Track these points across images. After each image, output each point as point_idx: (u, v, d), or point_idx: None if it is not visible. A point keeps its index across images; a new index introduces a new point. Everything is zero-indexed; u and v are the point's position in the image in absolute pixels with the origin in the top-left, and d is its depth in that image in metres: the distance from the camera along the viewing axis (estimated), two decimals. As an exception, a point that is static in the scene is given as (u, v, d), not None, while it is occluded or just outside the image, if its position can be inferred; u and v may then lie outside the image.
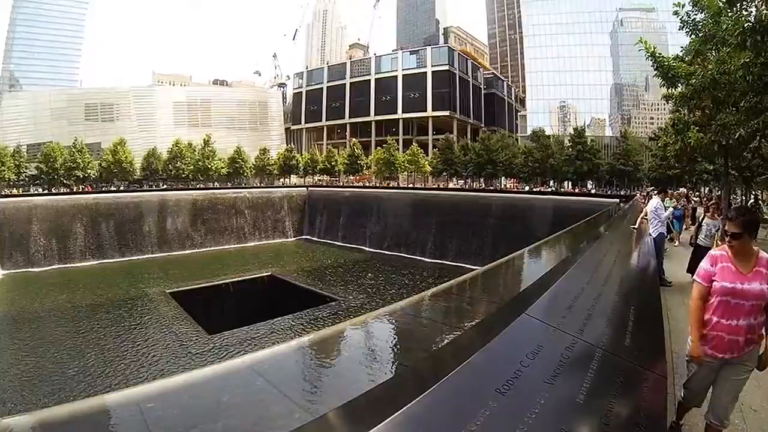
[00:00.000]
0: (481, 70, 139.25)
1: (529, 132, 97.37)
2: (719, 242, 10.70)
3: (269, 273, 37.19)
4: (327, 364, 2.82)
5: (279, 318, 25.64)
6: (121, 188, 76.95)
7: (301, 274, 38.36)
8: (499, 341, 2.94)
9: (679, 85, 17.45)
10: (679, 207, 23.06)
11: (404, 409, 1.96)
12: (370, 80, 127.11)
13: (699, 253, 11.00)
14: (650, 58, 17.07)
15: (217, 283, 34.06)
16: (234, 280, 34.89)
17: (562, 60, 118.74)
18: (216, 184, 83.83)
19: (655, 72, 17.26)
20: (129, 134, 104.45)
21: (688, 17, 13.74)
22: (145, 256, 47.73)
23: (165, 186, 78.65)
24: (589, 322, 3.76)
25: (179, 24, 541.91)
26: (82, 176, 76.83)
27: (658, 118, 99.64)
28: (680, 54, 17.92)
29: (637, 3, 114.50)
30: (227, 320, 26.07)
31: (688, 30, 14.02)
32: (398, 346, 3.14)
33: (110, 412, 2.06)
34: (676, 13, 14.05)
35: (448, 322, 3.81)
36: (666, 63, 16.80)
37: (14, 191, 71.55)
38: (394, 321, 3.67)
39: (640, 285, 6.55)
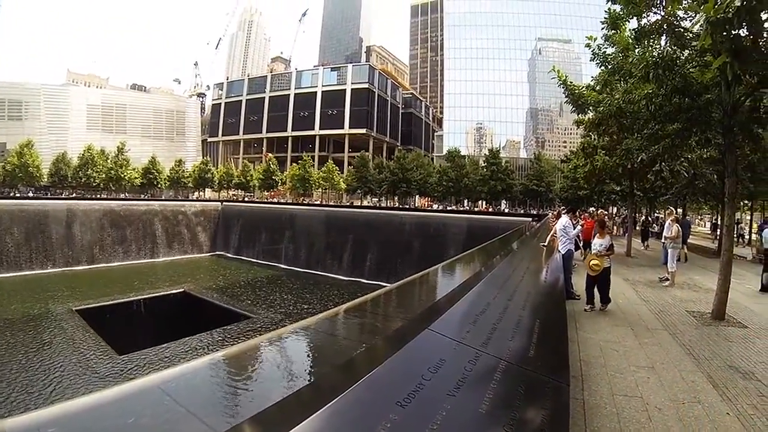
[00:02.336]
0: (400, 89, 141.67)
1: (444, 152, 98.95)
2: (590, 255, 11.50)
3: (182, 290, 36.05)
4: (237, 381, 2.77)
5: (193, 336, 24.93)
6: (30, 194, 73.19)
7: (216, 291, 37.42)
8: (400, 356, 2.99)
9: (589, 111, 18.46)
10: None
11: (304, 423, 1.97)
12: (289, 95, 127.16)
13: None
14: (562, 85, 17.99)
15: (127, 300, 32.62)
16: (145, 296, 33.53)
17: (481, 83, 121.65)
18: (128, 194, 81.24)
19: (566, 99, 18.20)
20: (37, 135, 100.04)
21: (599, 50, 14.42)
22: (50, 271, 45.03)
23: (74, 195, 75.24)
24: (493, 336, 3.87)
25: (100, 20, 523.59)
26: None
27: (570, 142, 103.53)
28: (591, 83, 18.90)
29: (555, 34, 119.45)
30: (139, 339, 25.05)
31: (598, 62, 14.72)
32: (307, 361, 3.16)
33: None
34: (588, 45, 14.74)
35: (356, 338, 3.88)
36: (576, 91, 17.79)
37: None
38: (305, 336, 3.67)
39: (546, 299, 6.79)
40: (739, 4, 7.65)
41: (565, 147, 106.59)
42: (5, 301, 33.16)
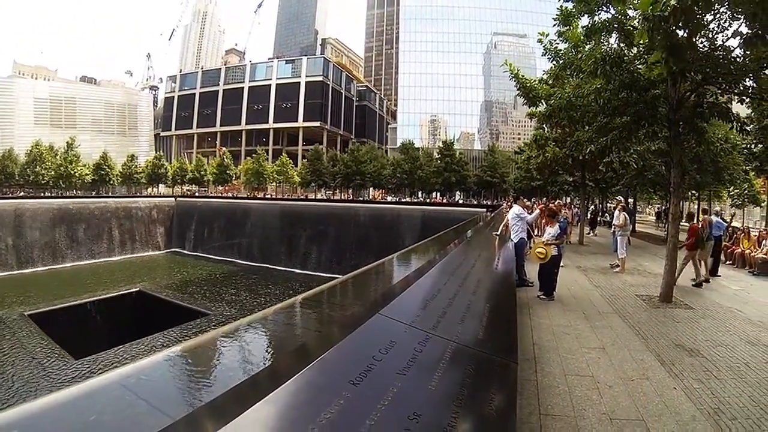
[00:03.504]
0: (354, 82, 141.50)
1: (398, 144, 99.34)
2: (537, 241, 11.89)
3: (137, 289, 35.25)
4: (195, 372, 2.79)
5: (150, 336, 24.54)
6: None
7: (172, 289, 36.74)
8: (351, 339, 3.09)
9: (540, 104, 18.87)
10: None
11: (257, 404, 2.07)
12: (243, 88, 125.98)
13: None
14: (514, 79, 18.34)
15: (81, 302, 31.71)
16: (99, 297, 32.77)
17: (436, 76, 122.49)
18: (79, 192, 79.23)
19: (518, 92, 18.57)
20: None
21: (551, 45, 14.66)
22: (-1, 275, 43.86)
23: (21, 193, 73.23)
24: (443, 319, 3.98)
25: (48, 9, 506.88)
26: None
27: (524, 134, 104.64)
28: (544, 77, 19.26)
29: (511, 29, 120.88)
30: (95, 341, 24.47)
31: (550, 57, 14.94)
32: (262, 349, 3.19)
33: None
34: (540, 41, 14.96)
35: (312, 326, 3.93)
36: (528, 84, 18.13)
37: None
38: (261, 327, 3.67)
39: (496, 285, 6.93)
40: (674, 2, 7.94)
41: (519, 139, 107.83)
42: None
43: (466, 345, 3.62)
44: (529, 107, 21.16)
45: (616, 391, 5.60)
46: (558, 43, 14.54)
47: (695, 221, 17.46)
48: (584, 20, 12.24)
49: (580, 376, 6.03)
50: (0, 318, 28.62)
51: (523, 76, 18.90)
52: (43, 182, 77.91)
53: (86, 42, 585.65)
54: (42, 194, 70.59)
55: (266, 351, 3.14)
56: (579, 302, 10.90)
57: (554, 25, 14.00)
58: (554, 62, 14.91)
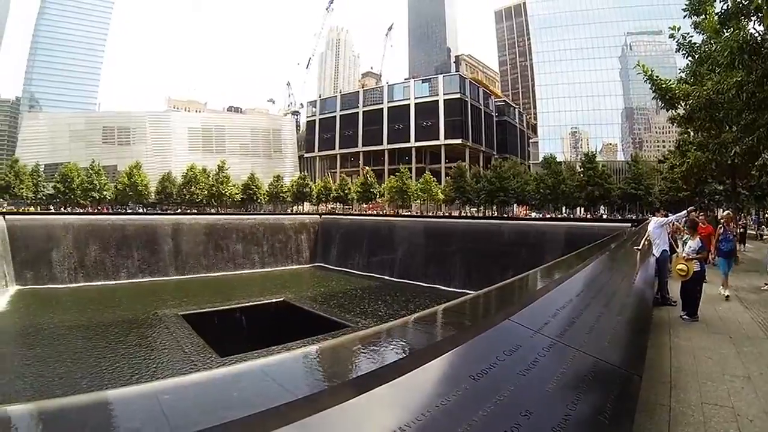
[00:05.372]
0: (492, 97, 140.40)
1: (540, 159, 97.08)
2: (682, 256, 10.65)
3: (282, 299, 36.92)
4: (330, 365, 3.01)
5: (290, 343, 25.47)
6: (140, 210, 78.46)
7: (314, 301, 37.92)
8: (479, 339, 3.21)
9: (679, 106, 17.46)
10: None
11: (375, 389, 2.22)
12: (382, 109, 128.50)
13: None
14: (648, 81, 17.10)
15: (229, 307, 33.83)
16: (246, 304, 34.67)
17: (573, 86, 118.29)
18: (229, 209, 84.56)
19: (654, 94, 17.27)
20: (144, 158, 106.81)
21: (684, 39, 13.80)
22: (158, 279, 47.28)
23: (179, 210, 79.38)
24: (570, 329, 3.97)
25: (195, 52, 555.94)
26: (98, 197, 79.04)
27: (668, 141, 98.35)
28: (682, 76, 17.94)
29: (644, 27, 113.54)
30: (239, 343, 25.84)
31: (684, 52, 14.08)
32: (394, 349, 3.29)
33: (129, 401, 2.20)
34: (672, 36, 14.13)
35: (445, 330, 4.07)
36: (664, 85, 16.77)
37: (31, 209, 73.16)
38: (399, 332, 3.84)
39: (631, 299, 6.68)
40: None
41: (663, 146, 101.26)
42: (120, 305, 35.93)
43: (589, 354, 3.60)
44: (667, 110, 19.73)
45: (757, 426, 4.96)
46: (692, 36, 13.63)
47: None
48: (717, 6, 11.40)
49: (719, 406, 5.44)
50: (159, 317, 31.36)
51: (657, 77, 17.53)
52: (197, 201, 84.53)
53: (231, 76, 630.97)
54: (196, 211, 76.15)
55: (396, 351, 3.24)
56: (725, 324, 9.85)
57: (685, 16, 13.14)
58: (689, 58, 14.03)
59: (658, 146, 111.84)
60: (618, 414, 2.86)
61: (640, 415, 3.71)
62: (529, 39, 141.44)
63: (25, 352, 25.22)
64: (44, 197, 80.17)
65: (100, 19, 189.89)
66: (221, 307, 33.94)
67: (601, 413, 2.81)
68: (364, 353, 3.12)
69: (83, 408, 2.09)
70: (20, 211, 65.52)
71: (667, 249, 12.14)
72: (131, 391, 2.40)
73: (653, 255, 11.89)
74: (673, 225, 13.27)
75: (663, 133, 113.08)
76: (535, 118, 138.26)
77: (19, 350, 25.69)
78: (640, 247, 12.99)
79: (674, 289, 11.76)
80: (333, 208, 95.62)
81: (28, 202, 78.65)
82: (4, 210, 60.50)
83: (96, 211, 73.34)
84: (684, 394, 5.77)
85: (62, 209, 74.31)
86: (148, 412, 1.96)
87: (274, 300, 36.71)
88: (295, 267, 58.99)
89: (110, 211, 75.49)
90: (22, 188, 74.65)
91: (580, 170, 77.30)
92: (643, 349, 4.32)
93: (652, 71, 17.05)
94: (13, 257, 42.22)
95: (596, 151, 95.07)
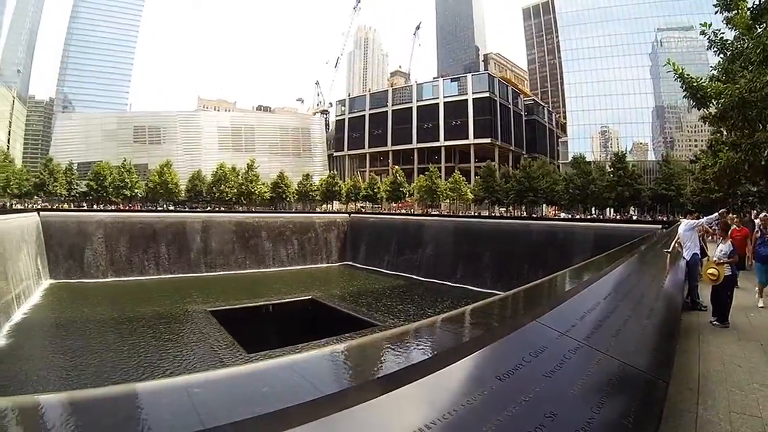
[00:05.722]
0: (521, 96, 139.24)
1: (570, 158, 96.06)
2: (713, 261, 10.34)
3: (310, 296, 37.02)
4: (358, 364, 3.04)
5: (318, 341, 25.58)
6: (170, 208, 79.65)
7: (342, 299, 37.99)
8: (506, 340, 3.26)
9: (711, 105, 17.05)
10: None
11: (402, 388, 2.26)
12: (411, 107, 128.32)
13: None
14: (678, 79, 16.71)
15: (257, 304, 34.09)
16: (274, 302, 34.89)
17: (603, 84, 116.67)
18: (258, 207, 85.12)
19: (684, 93, 16.88)
20: (174, 157, 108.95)
21: (715, 36, 13.56)
22: (187, 275, 47.96)
23: (209, 208, 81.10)
24: (597, 331, 3.99)
25: (224, 51, 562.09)
26: (129, 195, 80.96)
27: (700, 140, 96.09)
28: (715, 74, 17.53)
29: (675, 23, 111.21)
30: (266, 340, 26.14)
31: (716, 49, 13.82)
32: (421, 348, 3.31)
33: (160, 393, 2.25)
34: (703, 33, 13.88)
35: (473, 330, 4.03)
36: (695, 83, 16.37)
37: (65, 206, 74.82)
38: (427, 331, 3.87)
39: (659, 303, 6.62)
40: None
41: (696, 146, 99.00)
42: (151, 300, 36.65)
43: (615, 357, 3.61)
44: (698, 109, 19.27)
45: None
46: (723, 33, 13.37)
47: None
48: (750, 1, 11.15)
49: (747, 415, 5.26)
50: (187, 312, 31.81)
51: (688, 75, 17.10)
52: (227, 199, 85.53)
53: (260, 75, 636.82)
54: (226, 209, 77.28)
55: (423, 350, 3.26)
56: (758, 331, 9.56)
57: (716, 11, 12.88)
58: (721, 55, 13.76)
59: (690, 146, 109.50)
60: (642, 419, 2.84)
61: (665, 421, 3.63)
62: (557, 36, 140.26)
63: (60, 343, 25.85)
64: (77, 195, 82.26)
65: (130, 20, 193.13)
66: (249, 304, 34.23)
67: (625, 417, 2.81)
68: (391, 352, 3.13)
69: (115, 399, 2.15)
70: (54, 208, 66.88)
71: (698, 252, 11.92)
72: (162, 383, 2.46)
73: (683, 258, 11.70)
74: (703, 227, 13.03)
75: (695, 132, 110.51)
76: (565, 117, 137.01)
77: (52, 342, 26.31)
78: (669, 250, 12.75)
79: (705, 293, 11.52)
80: (362, 207, 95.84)
81: (62, 199, 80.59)
82: (39, 207, 61.87)
83: (127, 208, 74.93)
84: (711, 402, 5.64)
85: (94, 206, 76.10)
86: (179, 405, 1.99)
87: (302, 298, 36.90)
88: (323, 265, 59.22)
89: (141, 208, 76.69)
90: (56, 186, 76.72)
91: (609, 170, 76.30)
92: (671, 355, 4.28)
93: (682, 69, 16.69)
94: (47, 252, 43.10)
95: (626, 150, 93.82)
